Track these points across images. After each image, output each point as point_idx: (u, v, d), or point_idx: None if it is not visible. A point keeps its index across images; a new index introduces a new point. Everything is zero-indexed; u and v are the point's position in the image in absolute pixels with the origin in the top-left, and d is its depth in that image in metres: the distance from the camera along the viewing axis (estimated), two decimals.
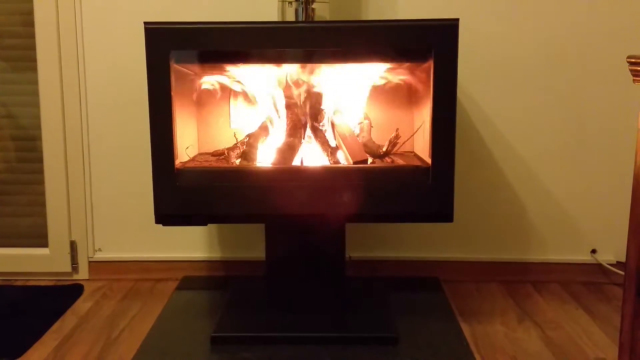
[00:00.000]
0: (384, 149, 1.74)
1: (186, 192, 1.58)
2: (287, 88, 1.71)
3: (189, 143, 1.76)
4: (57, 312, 1.81)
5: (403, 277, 2.02)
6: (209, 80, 1.80)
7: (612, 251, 2.04)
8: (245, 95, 1.82)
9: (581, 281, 2.03)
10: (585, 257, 2.04)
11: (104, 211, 2.05)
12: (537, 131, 1.98)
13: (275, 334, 1.59)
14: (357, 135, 1.76)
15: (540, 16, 1.92)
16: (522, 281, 2.03)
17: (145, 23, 1.53)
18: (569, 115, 1.97)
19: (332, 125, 1.74)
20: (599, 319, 1.77)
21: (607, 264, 2.02)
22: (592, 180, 2.00)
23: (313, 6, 1.71)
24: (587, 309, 1.84)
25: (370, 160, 1.70)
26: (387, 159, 1.73)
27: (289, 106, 1.72)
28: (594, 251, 2.04)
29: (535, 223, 2.03)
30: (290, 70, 1.69)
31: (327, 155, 1.70)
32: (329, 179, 1.58)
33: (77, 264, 2.07)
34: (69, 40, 1.96)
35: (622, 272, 1.97)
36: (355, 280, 1.94)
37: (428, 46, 1.54)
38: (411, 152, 1.86)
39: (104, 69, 1.98)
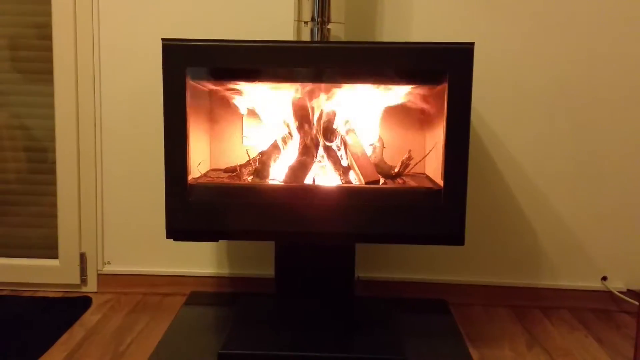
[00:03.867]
0: (396, 170, 1.75)
1: (198, 208, 1.59)
2: (300, 107, 1.73)
3: (201, 159, 1.77)
4: (66, 324, 1.82)
5: (411, 299, 2.02)
6: (223, 97, 1.81)
7: (623, 279, 2.03)
8: (258, 112, 1.83)
9: (591, 308, 2.02)
10: (595, 284, 2.04)
11: (114, 224, 2.07)
12: (549, 156, 1.99)
13: (282, 353, 1.58)
14: (369, 156, 1.77)
15: (555, 42, 1.94)
16: (532, 306, 2.02)
17: (162, 39, 1.55)
18: (582, 141, 1.98)
19: (345, 144, 1.75)
20: (608, 347, 1.76)
21: (618, 292, 2.01)
22: (603, 207, 2.00)
23: (328, 27, 1.72)
24: (596, 337, 1.83)
25: (382, 180, 1.70)
26: (399, 180, 1.74)
27: (301, 125, 1.73)
28: (604, 278, 2.03)
29: (545, 248, 2.03)
30: (304, 89, 1.70)
31: (339, 174, 1.71)
32: (341, 199, 1.59)
33: (86, 276, 2.08)
34: (85, 54, 1.99)
35: (632, 300, 1.97)
36: (363, 301, 1.93)
37: (443, 69, 1.55)
38: (423, 174, 1.87)
39: (119, 83, 2.01)
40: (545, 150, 1.99)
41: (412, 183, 1.73)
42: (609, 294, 2.03)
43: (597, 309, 2.02)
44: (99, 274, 2.08)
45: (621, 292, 2.01)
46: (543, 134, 1.98)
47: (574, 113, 1.97)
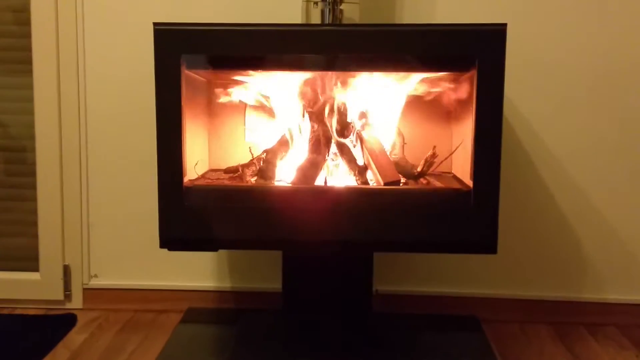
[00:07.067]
0: (419, 169, 1.74)
1: (195, 214, 1.58)
2: (310, 98, 1.72)
3: (198, 158, 1.76)
4: (48, 345, 1.82)
5: (437, 315, 2.00)
6: (224, 88, 1.81)
7: None
8: (262, 105, 1.83)
9: None
10: None
11: (101, 233, 2.08)
12: (593, 152, 1.97)
13: None
14: (389, 153, 1.75)
15: (598, 23, 1.92)
16: (575, 323, 2.01)
17: (154, 24, 1.53)
18: (632, 135, 1.97)
19: (361, 140, 1.73)
20: None
21: None
22: None
23: (341, 7, 1.72)
24: None
25: (402, 181, 1.69)
26: (422, 180, 1.73)
27: (312, 119, 1.72)
28: None
29: (590, 258, 2.01)
30: (315, 78, 1.69)
31: (354, 174, 1.70)
32: (356, 202, 1.58)
33: (70, 291, 2.08)
34: (68, 42, 2.00)
35: None
36: (382, 317, 1.93)
37: (471, 54, 1.53)
38: (449, 173, 1.86)
39: (106, 73, 2.02)
40: (589, 145, 1.97)
41: (437, 184, 1.71)
42: None
43: None
44: (84, 289, 2.09)
45: None
46: (586, 127, 1.96)
47: (621, 102, 1.95)
